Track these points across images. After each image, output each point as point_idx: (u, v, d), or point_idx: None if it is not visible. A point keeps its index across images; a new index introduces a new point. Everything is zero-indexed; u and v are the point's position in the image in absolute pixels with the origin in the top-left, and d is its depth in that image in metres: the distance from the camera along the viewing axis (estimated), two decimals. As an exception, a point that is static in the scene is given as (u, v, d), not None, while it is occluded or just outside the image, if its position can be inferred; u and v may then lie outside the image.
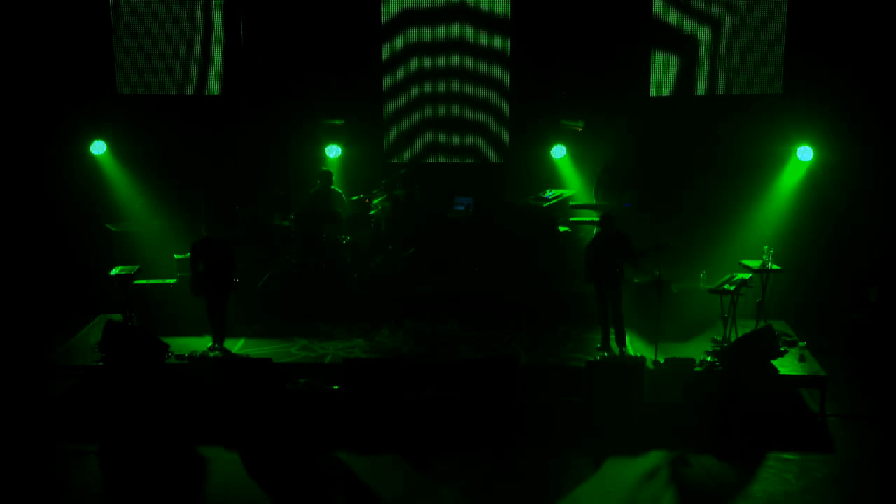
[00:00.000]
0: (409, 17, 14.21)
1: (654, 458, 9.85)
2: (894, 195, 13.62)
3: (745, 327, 11.61)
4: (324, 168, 14.02)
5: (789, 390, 11.07)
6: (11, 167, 14.25)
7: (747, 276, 11.75)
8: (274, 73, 14.27)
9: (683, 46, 13.86)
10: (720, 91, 13.97)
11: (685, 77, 13.98)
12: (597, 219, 12.58)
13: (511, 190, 14.53)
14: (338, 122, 14.47)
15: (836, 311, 13.14)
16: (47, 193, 14.28)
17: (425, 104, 14.48)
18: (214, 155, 14.34)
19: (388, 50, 14.33)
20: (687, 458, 9.84)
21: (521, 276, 13.39)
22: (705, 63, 13.89)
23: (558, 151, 14.38)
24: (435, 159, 14.63)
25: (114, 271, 12.02)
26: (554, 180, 14.40)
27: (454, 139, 14.58)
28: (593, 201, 13.94)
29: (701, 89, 13.97)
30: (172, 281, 12.91)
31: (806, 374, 11.04)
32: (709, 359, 11.13)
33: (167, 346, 11.24)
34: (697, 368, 10.94)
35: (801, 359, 11.29)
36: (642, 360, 11.27)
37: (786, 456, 9.84)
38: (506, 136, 14.49)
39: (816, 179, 13.62)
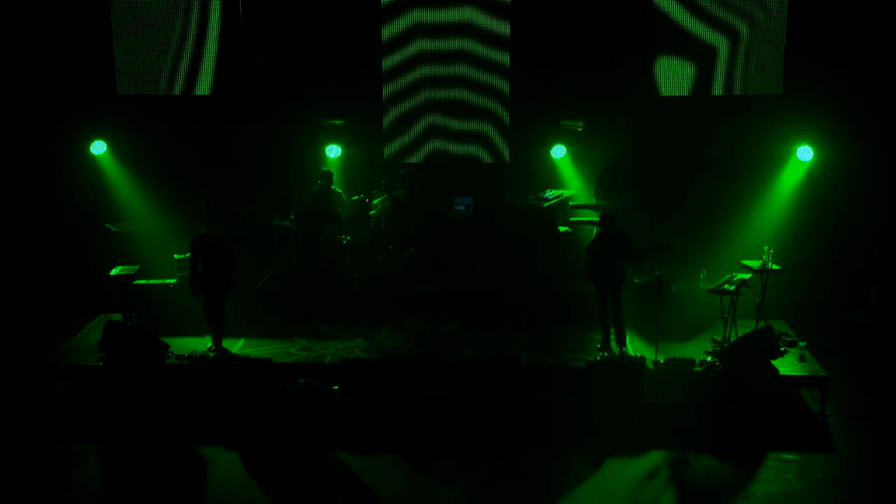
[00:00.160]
0: (411, 19, 14.27)
1: (654, 458, 9.85)
2: (894, 195, 13.62)
3: (745, 327, 11.61)
4: (324, 168, 14.02)
5: (789, 390, 11.07)
6: (11, 167, 14.25)
7: (747, 276, 11.75)
8: (274, 73, 14.27)
9: (699, 54, 13.87)
10: (720, 91, 13.97)
11: (697, 81, 14.00)
12: (597, 219, 12.58)
13: (511, 190, 14.53)
14: (338, 122, 14.47)
15: (836, 311, 13.14)
16: (47, 193, 14.28)
17: (427, 108, 14.50)
18: (214, 155, 14.33)
19: (389, 56, 14.36)
20: (687, 458, 9.84)
21: (521, 276, 13.38)
22: (722, 70, 13.89)
23: (558, 151, 14.37)
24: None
25: (114, 271, 12.03)
26: (554, 180, 14.40)
27: (456, 148, 14.58)
28: (593, 201, 13.93)
29: (716, 90, 13.97)
30: (172, 281, 12.91)
31: (806, 374, 11.04)
32: (709, 359, 11.13)
33: (167, 346, 11.24)
34: (697, 368, 10.94)
35: (801, 359, 11.30)
36: (642, 360, 11.27)
37: (786, 456, 9.84)
38: (506, 137, 14.49)
39: (816, 179, 13.62)
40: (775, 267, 12.01)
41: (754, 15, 13.66)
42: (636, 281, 12.47)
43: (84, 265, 13.77)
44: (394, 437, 10.32)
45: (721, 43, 13.78)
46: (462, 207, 14.06)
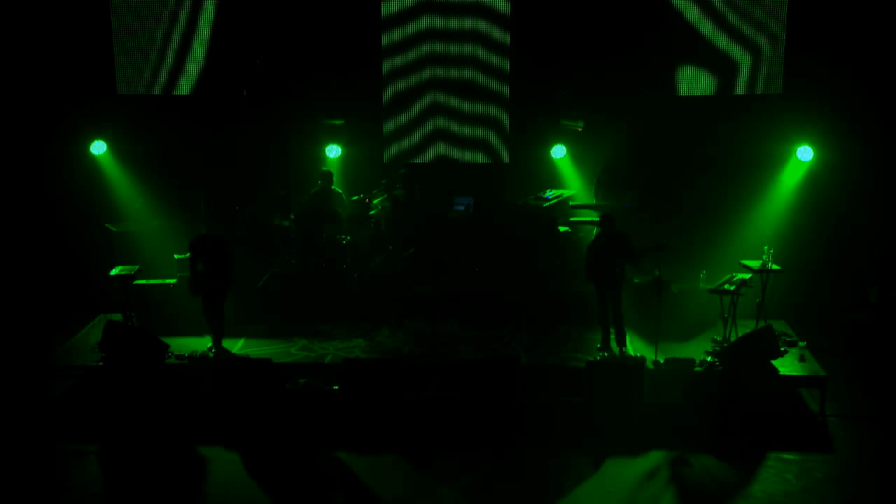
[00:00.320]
0: (412, 19, 14.28)
1: (654, 458, 9.84)
2: (894, 195, 13.62)
3: (745, 327, 11.61)
4: (324, 168, 14.02)
5: (789, 390, 11.07)
6: (11, 167, 14.25)
7: (747, 276, 11.75)
8: (274, 73, 14.27)
9: (721, 67, 13.90)
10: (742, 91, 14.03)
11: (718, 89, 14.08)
12: (597, 219, 12.59)
13: (511, 190, 14.53)
14: (338, 122, 14.47)
15: (836, 311, 13.14)
16: (47, 193, 14.27)
17: (428, 109, 14.50)
18: (214, 155, 14.33)
19: (391, 63, 14.39)
20: (687, 458, 9.83)
21: (521, 276, 13.39)
22: (744, 82, 13.91)
23: (558, 151, 14.38)
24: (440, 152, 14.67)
25: (114, 271, 12.03)
26: (554, 180, 14.41)
27: (456, 149, 14.58)
28: (593, 201, 13.94)
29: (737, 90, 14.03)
30: (172, 281, 12.90)
31: (806, 374, 11.04)
32: (709, 359, 11.13)
33: (167, 346, 11.23)
34: (697, 368, 10.94)
35: (801, 359, 11.30)
36: (642, 360, 11.27)
37: (786, 456, 9.84)
38: (506, 137, 14.49)
39: (816, 179, 13.62)
40: (775, 267, 12.01)
41: (776, 31, 13.68)
42: (636, 281, 12.47)
43: (84, 265, 13.76)
44: (394, 437, 10.31)
45: (743, 58, 13.80)
46: (462, 207, 14.06)
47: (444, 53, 14.30)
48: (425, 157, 14.56)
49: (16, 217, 14.35)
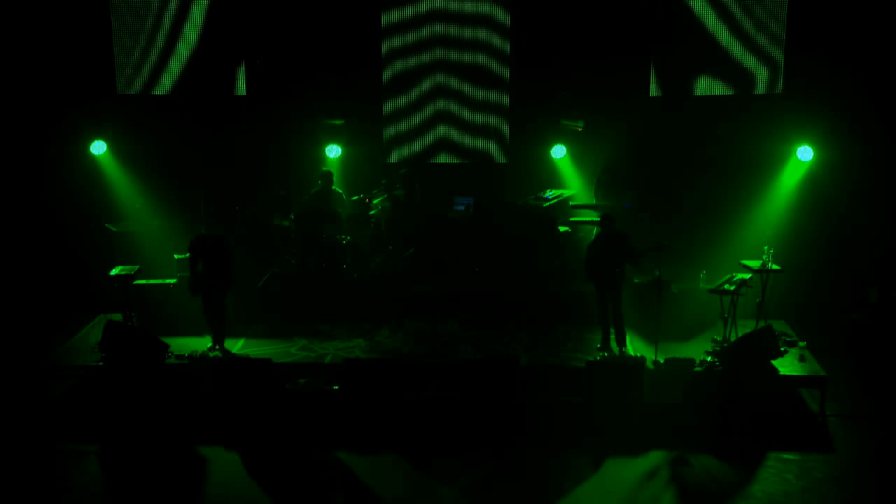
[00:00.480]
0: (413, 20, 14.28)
1: (654, 458, 9.85)
2: (894, 195, 13.62)
3: (745, 327, 11.61)
4: (324, 168, 14.02)
5: (789, 390, 11.07)
6: (11, 167, 14.25)
7: (747, 276, 11.75)
8: (274, 73, 14.27)
9: (738, 80, 13.91)
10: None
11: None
12: (597, 219, 12.59)
13: (511, 190, 14.53)
14: (338, 122, 14.46)
15: (836, 311, 13.14)
16: (47, 193, 14.28)
17: (429, 112, 14.51)
18: (214, 155, 14.33)
19: (390, 62, 14.40)
20: (687, 458, 9.84)
21: (521, 276, 13.38)
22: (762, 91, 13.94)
23: (558, 151, 14.38)
24: (441, 159, 14.64)
25: (114, 271, 12.03)
26: (554, 180, 14.40)
27: (457, 151, 14.58)
28: (593, 201, 13.93)
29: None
30: (172, 281, 12.91)
31: (806, 374, 11.04)
32: (709, 359, 11.13)
33: (167, 346, 11.24)
34: (697, 368, 10.94)
35: (801, 359, 11.30)
36: (642, 360, 11.27)
37: (786, 456, 9.84)
38: (506, 137, 14.48)
39: (816, 179, 13.62)
40: (775, 267, 12.01)
41: (776, 31, 13.68)
42: (636, 281, 12.47)
43: (84, 265, 13.76)
44: (394, 437, 10.31)
45: (759, 70, 13.81)
46: (462, 207, 14.06)
47: (445, 58, 14.29)
48: (426, 158, 14.56)
49: (16, 217, 14.35)
